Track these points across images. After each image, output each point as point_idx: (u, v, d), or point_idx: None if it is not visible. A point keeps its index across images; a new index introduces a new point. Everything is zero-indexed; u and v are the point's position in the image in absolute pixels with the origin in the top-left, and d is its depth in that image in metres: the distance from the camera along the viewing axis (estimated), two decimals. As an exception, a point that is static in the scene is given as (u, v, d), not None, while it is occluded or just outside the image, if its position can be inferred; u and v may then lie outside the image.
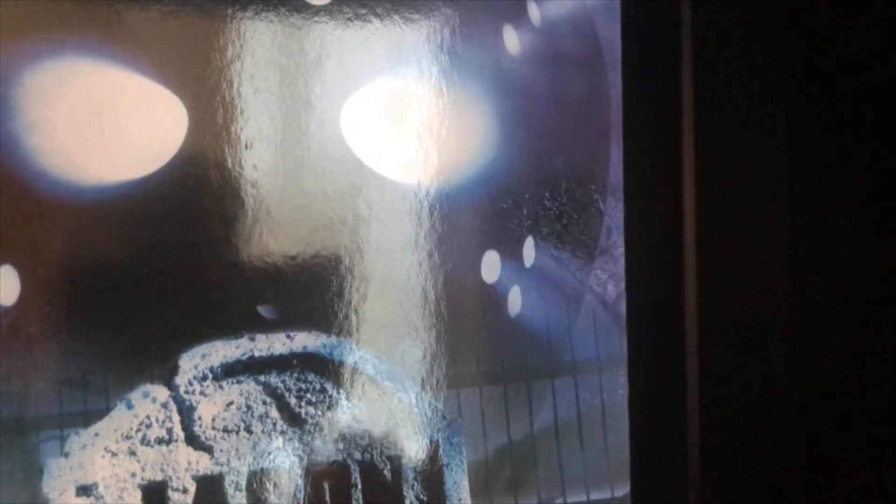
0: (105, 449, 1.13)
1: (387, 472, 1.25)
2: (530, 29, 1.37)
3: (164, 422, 1.16)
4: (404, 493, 1.25)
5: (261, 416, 1.20)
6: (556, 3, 1.39)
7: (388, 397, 1.25)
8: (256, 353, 1.20)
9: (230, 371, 1.19)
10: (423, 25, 1.27)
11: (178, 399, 1.17)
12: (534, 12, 1.37)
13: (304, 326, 1.22)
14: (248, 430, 1.19)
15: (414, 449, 1.26)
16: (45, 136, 1.11)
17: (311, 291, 1.22)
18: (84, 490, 1.12)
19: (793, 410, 1.22)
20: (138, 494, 1.14)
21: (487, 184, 1.33)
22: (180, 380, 1.17)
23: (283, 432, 1.20)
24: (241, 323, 1.20)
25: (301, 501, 1.20)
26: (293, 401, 1.21)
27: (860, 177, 1.26)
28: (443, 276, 1.28)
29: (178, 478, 1.16)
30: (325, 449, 1.22)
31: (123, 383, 1.15)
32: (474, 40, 1.31)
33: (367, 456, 1.24)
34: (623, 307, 1.27)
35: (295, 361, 1.22)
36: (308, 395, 1.22)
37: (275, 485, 1.19)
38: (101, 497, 1.13)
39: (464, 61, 1.30)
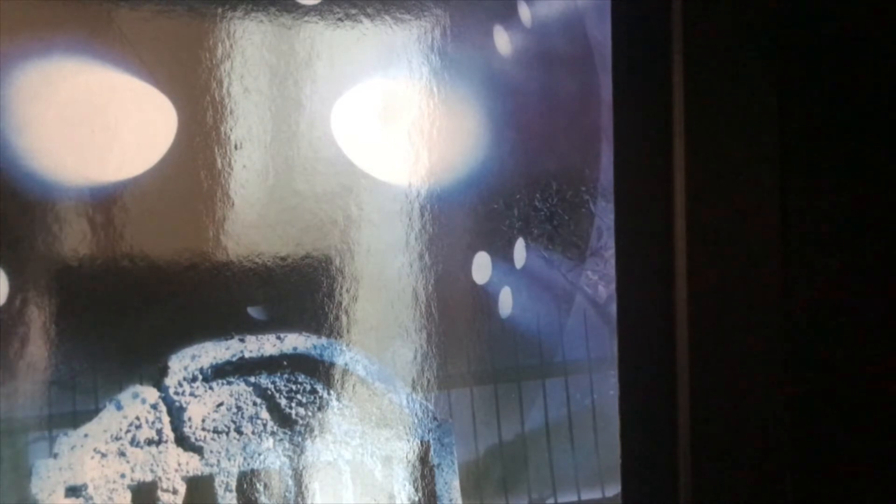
0: (94, 450, 1.13)
1: (378, 473, 1.24)
2: (521, 29, 1.37)
3: (153, 423, 1.16)
4: (395, 493, 1.25)
5: (251, 417, 1.20)
6: (546, 3, 1.39)
7: (379, 398, 1.25)
8: (247, 355, 1.20)
9: (220, 372, 1.19)
10: (413, 26, 1.27)
11: (167, 400, 1.16)
12: (524, 13, 1.37)
13: (294, 327, 1.22)
14: (239, 431, 1.19)
15: (405, 449, 1.26)
16: (33, 136, 1.11)
17: (302, 292, 1.22)
18: (73, 491, 1.12)
19: (783, 410, 1.22)
20: (128, 495, 1.14)
21: (478, 185, 1.33)
22: (170, 381, 1.17)
23: (273, 433, 1.20)
24: (231, 324, 1.19)
25: (291, 502, 1.20)
26: (283, 402, 1.21)
27: (851, 177, 1.26)
28: (434, 277, 1.28)
29: (168, 479, 1.16)
30: (316, 450, 1.22)
31: (113, 384, 1.14)
32: (465, 41, 1.31)
33: (358, 457, 1.24)
34: (614, 308, 1.27)
35: (285, 362, 1.21)
36: (298, 396, 1.21)
37: (265, 486, 1.19)
38: (91, 498, 1.12)
39: (454, 62, 1.30)
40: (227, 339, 1.19)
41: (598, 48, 1.40)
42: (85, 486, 1.12)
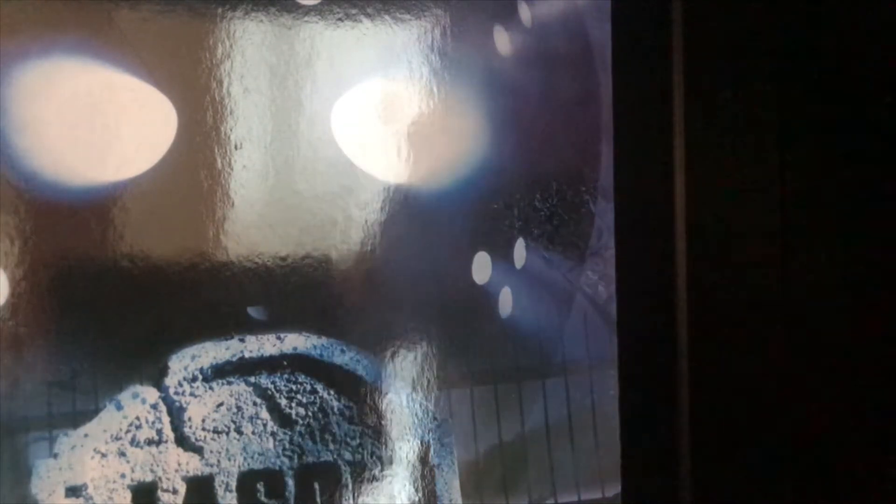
0: (94, 450, 1.13)
1: (377, 473, 1.24)
2: (521, 30, 1.37)
3: (153, 423, 1.16)
4: (395, 493, 1.25)
5: (251, 417, 1.20)
6: (546, 3, 1.39)
7: (379, 398, 1.25)
8: (247, 355, 1.20)
9: (220, 372, 1.19)
10: (413, 26, 1.27)
11: (167, 400, 1.16)
12: (524, 13, 1.37)
13: (294, 327, 1.22)
14: (239, 431, 1.19)
15: (405, 449, 1.26)
16: (33, 135, 1.11)
17: (302, 292, 1.22)
18: (73, 491, 1.12)
19: (784, 410, 1.22)
20: (128, 495, 1.14)
21: (478, 185, 1.33)
22: (170, 381, 1.17)
23: (273, 433, 1.20)
24: (231, 324, 1.19)
25: (291, 502, 1.20)
26: (283, 402, 1.21)
27: (853, 177, 1.26)
28: (434, 277, 1.28)
29: (168, 479, 1.16)
30: (316, 450, 1.22)
31: (113, 384, 1.14)
32: (465, 41, 1.31)
33: (358, 457, 1.24)
34: (614, 308, 1.27)
35: (285, 362, 1.21)
36: (298, 396, 1.21)
37: (265, 486, 1.19)
38: (91, 498, 1.12)
39: (454, 62, 1.30)
40: (227, 339, 1.19)
41: (598, 48, 1.40)
42: (85, 486, 1.12)
